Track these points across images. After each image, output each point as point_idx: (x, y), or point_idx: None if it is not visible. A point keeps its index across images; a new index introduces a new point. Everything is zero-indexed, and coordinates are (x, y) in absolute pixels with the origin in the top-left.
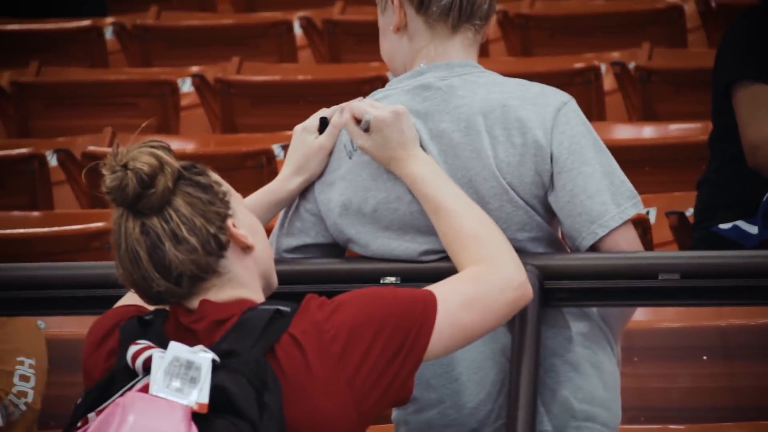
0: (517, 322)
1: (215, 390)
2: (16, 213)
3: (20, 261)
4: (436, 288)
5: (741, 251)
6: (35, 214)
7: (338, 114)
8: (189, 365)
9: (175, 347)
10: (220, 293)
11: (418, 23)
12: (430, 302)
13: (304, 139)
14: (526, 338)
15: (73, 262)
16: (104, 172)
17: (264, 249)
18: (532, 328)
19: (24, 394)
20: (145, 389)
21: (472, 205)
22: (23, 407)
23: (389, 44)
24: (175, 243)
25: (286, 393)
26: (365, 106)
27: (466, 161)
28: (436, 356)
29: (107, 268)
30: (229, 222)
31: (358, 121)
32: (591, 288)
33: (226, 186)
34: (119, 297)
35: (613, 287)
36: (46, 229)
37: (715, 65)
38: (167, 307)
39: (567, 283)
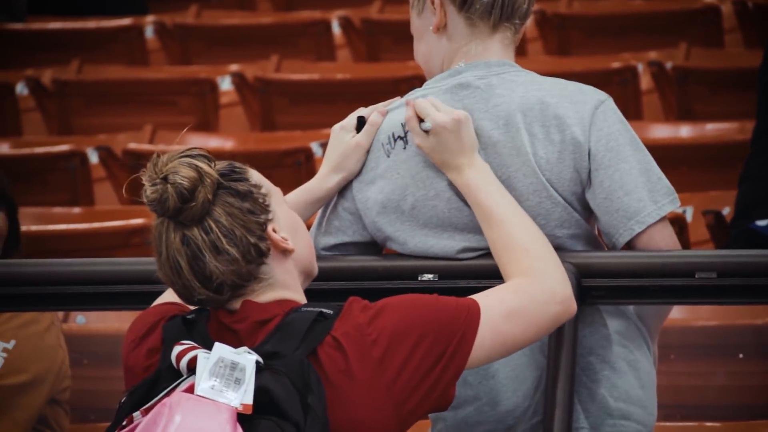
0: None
1: (259, 391)
2: (57, 209)
3: (61, 257)
4: (479, 297)
5: None
6: (76, 210)
7: (375, 113)
8: (233, 366)
9: (220, 348)
10: (261, 296)
11: (458, 22)
12: (474, 311)
13: (341, 138)
14: (563, 336)
15: (114, 258)
16: (144, 182)
17: (305, 247)
18: (569, 325)
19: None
20: (190, 390)
21: (524, 215)
22: (2, 354)
23: (426, 45)
24: (215, 254)
25: (328, 395)
26: (429, 108)
27: (506, 158)
28: (477, 365)
29: (147, 264)
30: (270, 228)
31: (420, 120)
32: (628, 286)
33: (266, 187)
34: (159, 293)
35: (649, 285)
36: (86, 226)
37: (762, 63)
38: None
39: (604, 281)
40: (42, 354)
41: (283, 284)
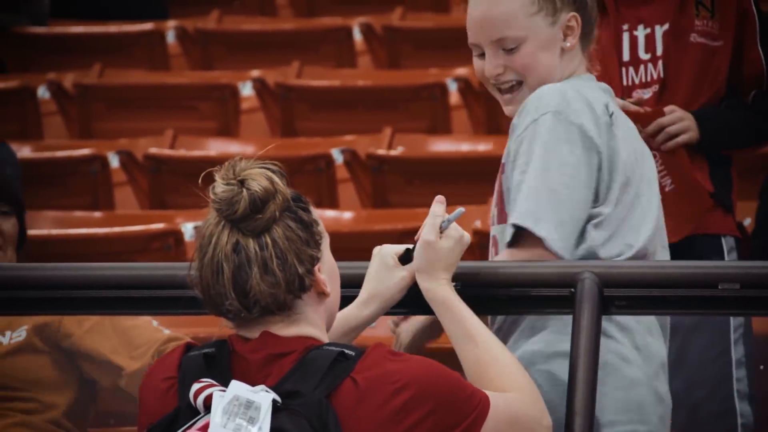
0: (575, 330)
1: None
2: (77, 213)
3: (81, 261)
4: (490, 395)
5: None
6: (96, 214)
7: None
8: (248, 405)
9: (236, 386)
10: (285, 329)
11: (576, 47)
12: (486, 403)
13: (386, 264)
14: (583, 345)
15: (134, 263)
16: (218, 179)
17: (336, 296)
18: (590, 334)
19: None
20: (205, 428)
21: (496, 339)
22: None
23: (552, 58)
24: (262, 272)
25: None
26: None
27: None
28: None
29: (168, 269)
30: (317, 267)
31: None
32: (650, 296)
33: (321, 226)
34: (180, 298)
35: (672, 296)
36: (107, 230)
37: None
38: (225, 337)
39: (626, 291)
40: None
41: (312, 322)
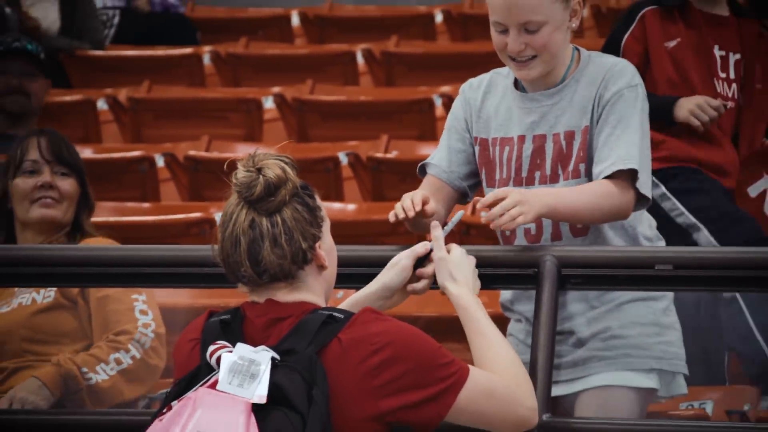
0: (538, 302)
1: (273, 386)
2: (129, 204)
3: (131, 243)
4: (473, 369)
5: (723, 248)
6: (145, 205)
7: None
8: (251, 363)
9: (240, 348)
10: (287, 295)
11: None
12: (464, 371)
13: (402, 268)
14: (544, 313)
15: (176, 245)
16: (239, 167)
17: (333, 270)
18: (549, 306)
19: (147, 325)
20: (215, 384)
21: (500, 334)
22: (151, 335)
23: (563, 37)
24: (272, 245)
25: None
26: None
27: None
28: (447, 419)
29: (204, 251)
30: (317, 244)
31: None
32: (599, 275)
33: (323, 211)
34: (214, 275)
35: (617, 274)
36: (153, 218)
37: None
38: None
39: (580, 271)
40: None
41: (311, 290)
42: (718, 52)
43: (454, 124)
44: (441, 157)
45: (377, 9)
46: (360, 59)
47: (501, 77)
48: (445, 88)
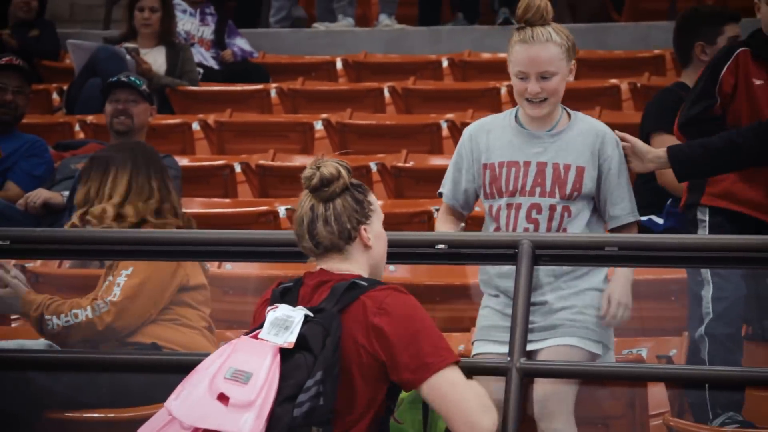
0: (517, 274)
1: (300, 336)
2: (215, 200)
3: (216, 229)
4: (455, 370)
5: (653, 235)
6: (226, 200)
7: None
8: (287, 318)
9: (283, 307)
10: (337, 264)
11: None
12: (447, 360)
13: None
14: (522, 284)
15: (250, 230)
16: (307, 166)
17: (379, 252)
18: (526, 278)
19: (114, 295)
20: (257, 335)
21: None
22: (106, 306)
23: (563, 86)
24: (324, 224)
25: (345, 335)
26: None
27: None
28: (418, 391)
29: (270, 234)
30: (362, 227)
31: None
32: (563, 255)
33: (375, 206)
34: (275, 254)
35: (577, 254)
36: (232, 210)
37: (642, 119)
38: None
39: (549, 251)
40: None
41: (356, 263)
42: None
43: (458, 161)
44: (448, 189)
45: (399, 57)
46: (386, 93)
47: (499, 119)
48: (449, 116)
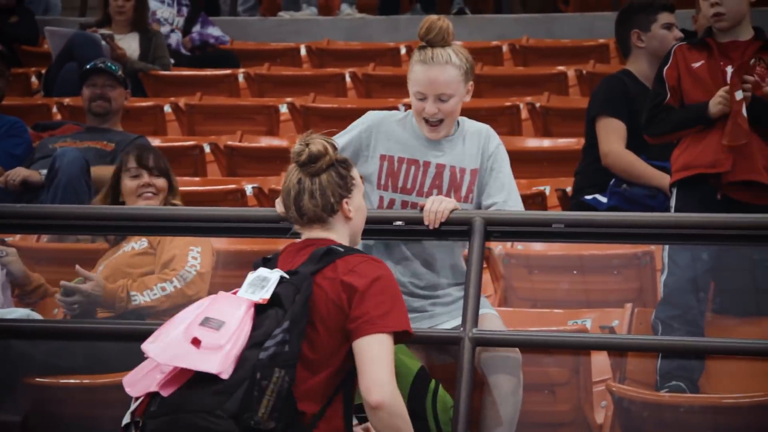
0: (470, 249)
1: (274, 295)
2: (186, 178)
3: (187, 206)
4: (386, 341)
5: (597, 212)
6: (196, 179)
7: None
8: (264, 279)
9: (261, 270)
10: (319, 233)
11: None
12: (384, 328)
13: None
14: (474, 259)
15: (218, 207)
16: (297, 141)
17: (359, 223)
18: (478, 253)
19: (193, 266)
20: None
21: None
22: (194, 272)
23: (459, 107)
24: (309, 197)
25: (318, 293)
26: None
27: None
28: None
29: (237, 212)
30: (344, 201)
31: None
32: (512, 231)
33: (357, 181)
34: (244, 229)
35: (525, 231)
36: (202, 188)
37: (588, 104)
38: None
39: (499, 228)
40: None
41: (337, 232)
42: (729, 69)
43: (352, 138)
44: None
45: (360, 44)
46: (348, 79)
47: (400, 117)
48: (406, 100)
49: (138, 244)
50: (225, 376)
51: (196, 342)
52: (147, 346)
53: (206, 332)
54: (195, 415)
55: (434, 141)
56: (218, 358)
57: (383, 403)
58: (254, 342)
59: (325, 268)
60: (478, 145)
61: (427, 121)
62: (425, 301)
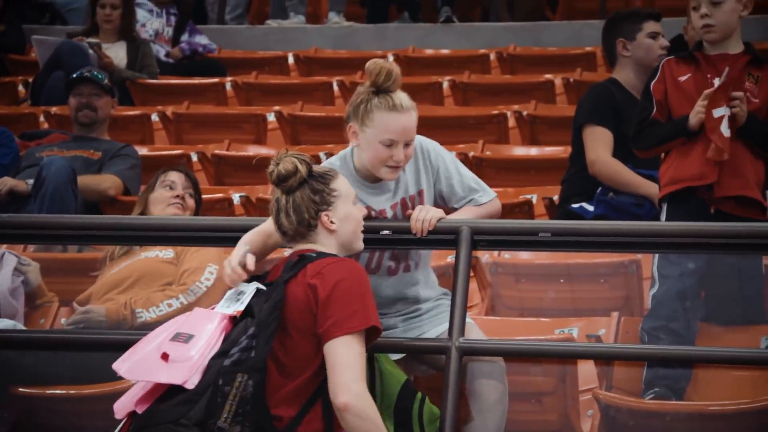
0: (457, 259)
1: (248, 306)
2: None
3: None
4: (354, 341)
5: (584, 221)
6: None
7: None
8: (240, 292)
9: (240, 285)
10: (305, 246)
11: None
12: (352, 327)
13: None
14: (461, 267)
15: (205, 217)
16: (271, 161)
17: (348, 230)
18: (465, 262)
19: (205, 283)
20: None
21: None
22: (204, 288)
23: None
24: (286, 215)
25: (291, 300)
26: None
27: None
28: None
29: (221, 221)
30: (323, 215)
31: None
32: (499, 240)
33: (337, 192)
34: (231, 238)
35: (512, 239)
36: None
37: (575, 113)
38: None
39: (486, 237)
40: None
41: (320, 244)
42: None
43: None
44: None
45: (348, 53)
46: (335, 87)
47: (340, 168)
48: None
49: (163, 253)
50: (190, 386)
51: (165, 357)
52: (118, 365)
53: (175, 346)
54: (162, 428)
55: (378, 187)
56: (183, 369)
57: (348, 405)
58: (221, 351)
59: (297, 274)
60: (416, 167)
61: (390, 166)
62: (398, 317)
